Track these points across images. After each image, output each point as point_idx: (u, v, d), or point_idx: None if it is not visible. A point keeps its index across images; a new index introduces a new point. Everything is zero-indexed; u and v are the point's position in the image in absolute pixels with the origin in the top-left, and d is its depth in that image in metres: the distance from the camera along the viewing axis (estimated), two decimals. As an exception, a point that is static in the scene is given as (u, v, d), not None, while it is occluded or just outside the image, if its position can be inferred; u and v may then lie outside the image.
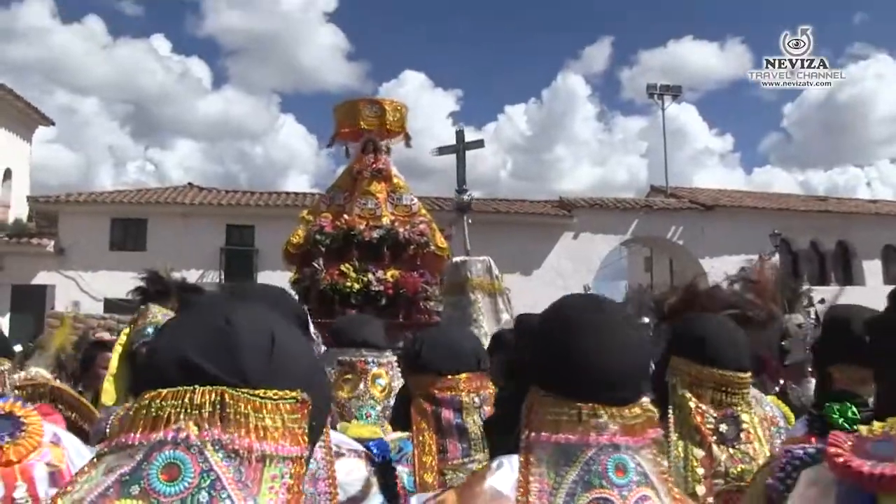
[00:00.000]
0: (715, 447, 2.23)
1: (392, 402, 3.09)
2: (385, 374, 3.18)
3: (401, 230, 9.42)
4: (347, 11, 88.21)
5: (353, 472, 1.90)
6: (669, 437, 2.22)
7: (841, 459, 1.18)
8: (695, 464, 2.21)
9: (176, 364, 1.00)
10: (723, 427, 2.25)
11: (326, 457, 1.59)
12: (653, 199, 28.48)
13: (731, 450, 2.23)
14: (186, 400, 0.97)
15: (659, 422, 1.40)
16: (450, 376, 2.37)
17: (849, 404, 2.16)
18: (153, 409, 0.97)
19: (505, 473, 1.35)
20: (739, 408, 2.28)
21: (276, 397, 1.00)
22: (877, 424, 1.23)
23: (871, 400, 2.26)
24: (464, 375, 2.38)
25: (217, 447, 0.95)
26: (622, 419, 1.31)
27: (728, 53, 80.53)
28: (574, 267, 24.78)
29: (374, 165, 9.69)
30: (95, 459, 0.98)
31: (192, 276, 22.78)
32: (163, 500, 0.91)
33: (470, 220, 9.83)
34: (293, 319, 1.67)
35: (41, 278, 23.87)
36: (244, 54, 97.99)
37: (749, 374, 2.34)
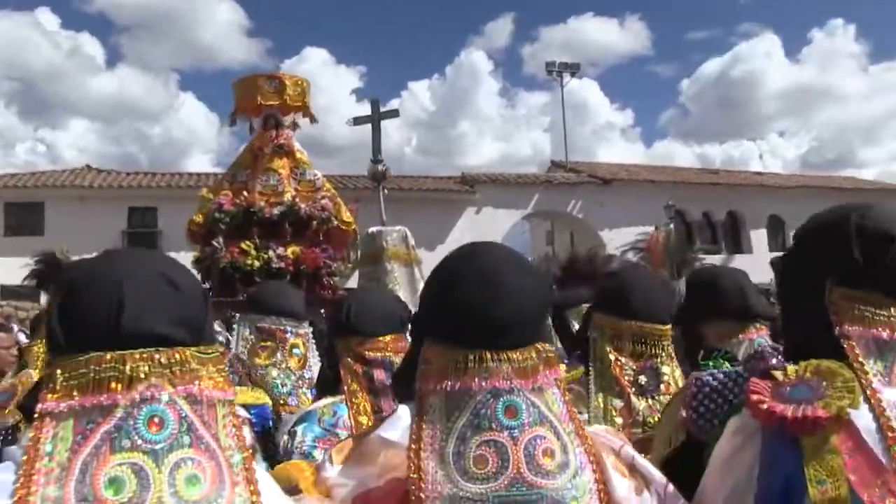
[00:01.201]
0: (634, 398, 2.24)
1: (307, 373, 3.01)
2: (302, 345, 3.14)
3: (302, 206, 9.20)
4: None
5: None
6: (590, 389, 2.26)
7: (764, 406, 1.24)
8: (613, 414, 2.23)
9: (134, 328, 1.10)
10: (642, 378, 2.26)
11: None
12: (553, 175, 28.80)
13: (650, 400, 2.25)
14: (157, 360, 1.10)
15: (558, 362, 1.40)
16: (379, 338, 2.39)
17: (721, 359, 2.29)
18: (125, 370, 1.08)
19: (397, 422, 1.36)
20: (659, 360, 2.30)
21: (212, 352, 1.18)
22: (790, 368, 1.30)
23: (740, 353, 2.40)
24: (390, 336, 2.39)
25: (186, 398, 1.11)
26: (511, 363, 1.31)
27: (627, 30, 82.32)
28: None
29: (276, 141, 9.41)
30: (44, 422, 1.05)
31: None
32: (155, 447, 1.05)
33: (386, 190, 9.65)
34: None
35: (-70, 266, 22.57)
36: (139, 31, 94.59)
37: (668, 326, 2.35)
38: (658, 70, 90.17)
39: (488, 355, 1.31)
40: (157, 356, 1.10)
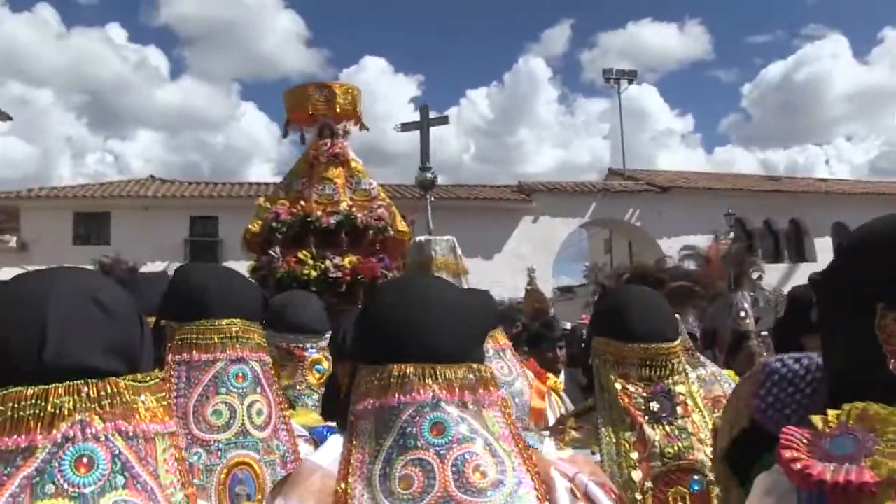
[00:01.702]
0: (647, 427, 2.09)
1: None
2: (325, 360, 2.95)
3: (359, 215, 9.05)
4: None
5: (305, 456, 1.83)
6: (599, 424, 2.13)
7: (798, 466, 1.02)
8: (627, 448, 2.08)
9: (58, 359, 0.99)
10: (654, 405, 2.12)
11: (291, 440, 1.77)
12: (610, 183, 28.36)
13: (666, 427, 2.10)
14: (84, 394, 0.99)
15: (494, 384, 1.35)
16: None
17: None
18: (47, 407, 0.96)
19: (329, 448, 1.33)
20: (671, 381, 2.15)
21: (149, 380, 1.08)
22: (831, 414, 1.09)
23: None
24: None
25: (120, 433, 1.00)
26: (437, 377, 1.27)
27: (687, 35, 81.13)
28: (534, 250, 24.59)
29: (331, 150, 9.29)
30: None
31: (156, 267, 22.16)
32: (84, 490, 0.95)
33: (433, 198, 9.44)
34: (254, 302, 1.94)
35: (4, 274, 22.64)
36: (202, 43, 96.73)
37: (675, 342, 2.20)
38: (719, 75, 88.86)
39: (410, 369, 1.26)
40: (84, 389, 0.99)
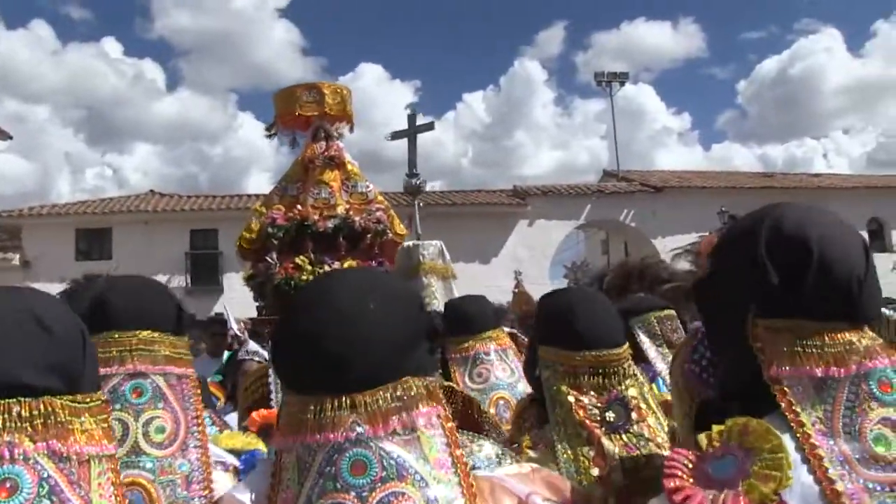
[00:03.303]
0: (605, 440, 1.91)
1: None
2: None
3: (356, 218, 8.61)
4: (300, 6, 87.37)
5: (217, 486, 1.68)
6: (553, 440, 1.94)
7: (679, 497, 1.03)
8: (586, 465, 1.90)
9: None
10: (609, 414, 1.94)
11: (202, 458, 1.61)
12: (604, 184, 28.19)
13: (624, 437, 1.92)
14: (14, 413, 0.96)
15: (433, 397, 1.18)
16: None
17: None
18: None
19: (255, 480, 1.21)
20: (622, 386, 1.97)
21: (89, 401, 1.04)
22: (715, 430, 1.08)
23: None
24: None
25: (50, 455, 0.97)
26: (356, 408, 1.11)
27: (681, 33, 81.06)
28: (531, 253, 24.58)
29: (326, 153, 8.85)
30: None
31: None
32: None
33: (421, 204, 9.08)
34: (164, 313, 1.77)
35: (7, 292, 22.89)
36: (197, 54, 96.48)
37: (625, 346, 2.01)
38: (714, 72, 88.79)
39: (328, 403, 1.11)
40: (15, 408, 0.96)
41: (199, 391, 1.76)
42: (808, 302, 1.13)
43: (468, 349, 2.97)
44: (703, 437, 1.08)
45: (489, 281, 19.28)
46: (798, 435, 1.08)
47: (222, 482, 1.68)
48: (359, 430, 1.11)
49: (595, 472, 1.89)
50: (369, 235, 8.72)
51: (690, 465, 1.06)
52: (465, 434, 1.40)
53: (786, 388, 1.11)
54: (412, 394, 1.15)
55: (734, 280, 1.19)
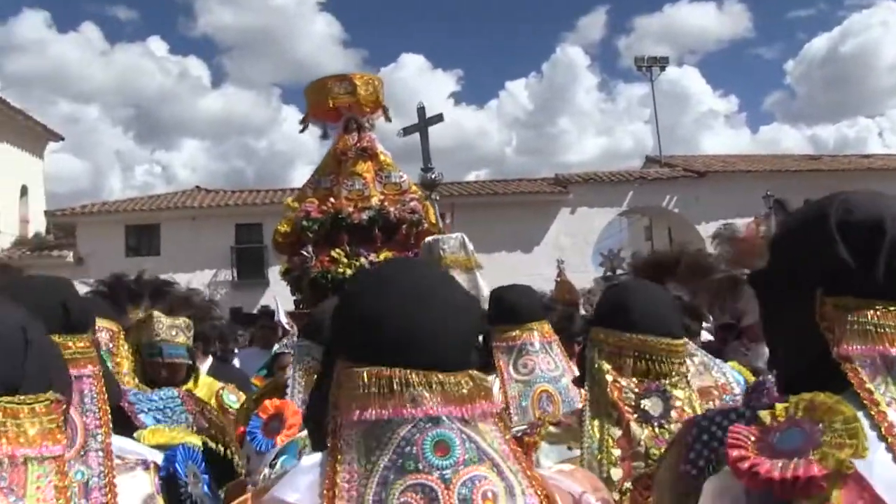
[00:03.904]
0: (635, 425, 1.90)
1: None
2: None
3: (391, 209, 8.54)
4: None
5: (134, 488, 1.58)
6: (584, 416, 1.95)
7: (745, 465, 0.98)
8: (610, 444, 1.89)
9: None
10: (646, 402, 1.92)
11: (105, 463, 1.50)
12: (647, 171, 27.78)
13: (656, 429, 1.90)
14: None
15: (491, 394, 1.16)
16: None
17: None
18: None
19: (298, 476, 1.11)
20: (669, 381, 1.95)
21: (31, 401, 1.01)
22: (779, 407, 1.04)
23: None
24: None
25: None
26: (442, 387, 1.08)
27: (726, 13, 79.44)
28: (573, 241, 24.34)
29: (359, 144, 8.77)
30: None
31: (205, 275, 23.00)
32: None
33: (437, 198, 8.94)
34: (49, 311, 1.56)
35: (63, 289, 23.44)
36: (240, 50, 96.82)
37: (679, 341, 2.00)
38: (761, 52, 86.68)
39: (414, 377, 1.07)
40: None
41: (103, 389, 1.60)
42: (880, 281, 1.09)
43: (514, 339, 2.89)
44: (765, 415, 1.03)
45: (532, 270, 19.10)
46: (873, 413, 1.02)
47: (141, 482, 1.59)
48: (442, 410, 1.07)
49: (617, 452, 1.88)
50: (405, 226, 8.63)
51: (754, 439, 1.01)
52: None
53: (856, 366, 1.06)
54: (480, 385, 1.13)
55: (801, 262, 1.16)
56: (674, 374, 1.97)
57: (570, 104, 73.89)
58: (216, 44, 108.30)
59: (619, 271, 14.75)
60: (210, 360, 5.56)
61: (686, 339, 2.11)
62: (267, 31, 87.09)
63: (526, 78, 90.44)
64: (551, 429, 2.07)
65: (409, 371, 1.07)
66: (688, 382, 2.02)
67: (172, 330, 3.31)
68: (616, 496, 1.84)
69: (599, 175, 26.72)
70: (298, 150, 73.40)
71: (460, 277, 7.31)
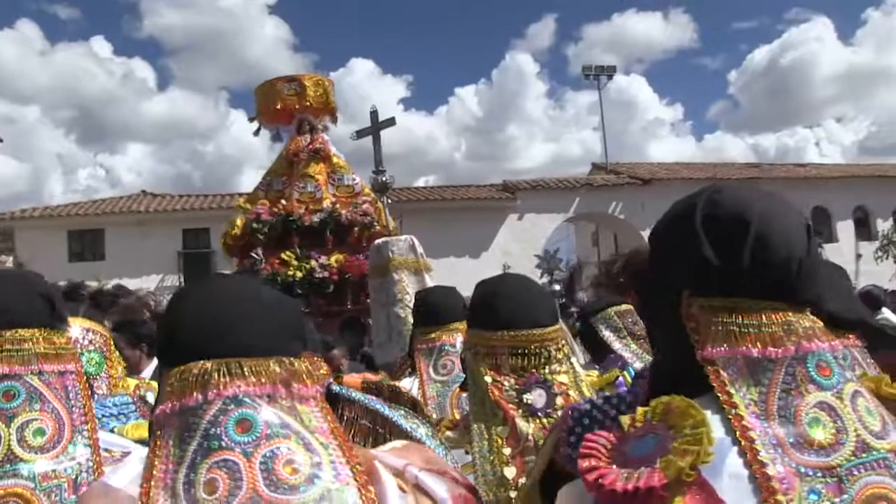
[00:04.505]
0: (520, 421, 1.91)
1: None
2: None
3: (343, 212, 8.47)
4: (289, 3, 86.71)
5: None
6: (469, 420, 1.98)
7: (593, 476, 0.97)
8: (500, 443, 1.91)
9: None
10: (528, 396, 1.93)
11: (93, 457, 1.55)
12: (593, 177, 28.05)
13: (543, 419, 1.90)
14: None
15: (319, 378, 1.20)
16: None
17: None
18: None
19: (128, 466, 1.18)
20: (548, 369, 1.96)
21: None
22: (639, 412, 1.03)
23: None
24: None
25: None
26: (242, 373, 1.10)
27: (672, 24, 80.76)
28: (521, 247, 24.42)
29: (311, 146, 8.68)
30: None
31: (151, 281, 22.51)
32: None
33: (389, 201, 8.87)
34: (34, 305, 1.63)
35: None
36: (187, 52, 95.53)
37: (550, 328, 2.00)
38: (706, 62, 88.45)
39: (211, 365, 1.10)
40: None
41: (86, 386, 1.64)
42: (745, 279, 1.08)
43: (434, 340, 2.88)
44: (625, 420, 1.03)
45: (479, 275, 19.07)
46: (730, 416, 1.02)
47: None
48: (244, 389, 1.10)
49: (507, 451, 1.88)
50: (356, 229, 8.56)
51: (609, 446, 1.01)
52: (409, 413, 1.48)
53: (718, 369, 1.05)
54: (293, 368, 1.16)
55: (670, 257, 1.16)
56: (553, 361, 1.97)
57: (520, 111, 74.45)
58: (162, 45, 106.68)
59: (556, 273, 14.83)
60: (155, 362, 5.40)
61: (560, 324, 2.08)
62: (215, 33, 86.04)
63: (476, 84, 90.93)
64: (448, 433, 2.12)
65: (204, 361, 1.11)
66: (571, 364, 2.01)
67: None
68: (513, 494, 1.85)
69: (547, 182, 26.88)
70: (247, 154, 72.47)
71: (409, 279, 7.26)
